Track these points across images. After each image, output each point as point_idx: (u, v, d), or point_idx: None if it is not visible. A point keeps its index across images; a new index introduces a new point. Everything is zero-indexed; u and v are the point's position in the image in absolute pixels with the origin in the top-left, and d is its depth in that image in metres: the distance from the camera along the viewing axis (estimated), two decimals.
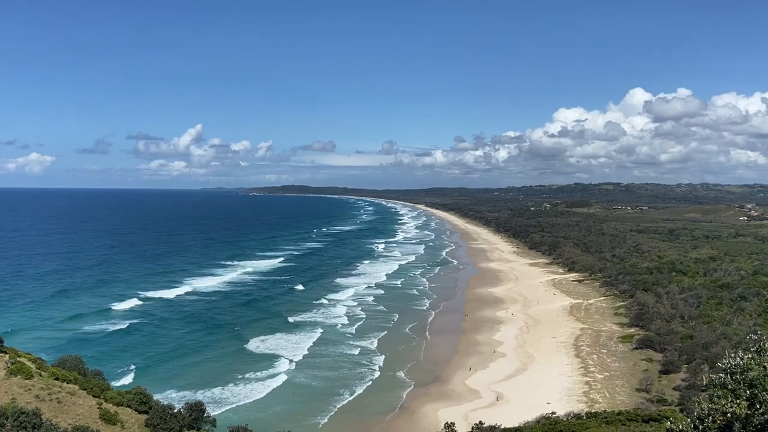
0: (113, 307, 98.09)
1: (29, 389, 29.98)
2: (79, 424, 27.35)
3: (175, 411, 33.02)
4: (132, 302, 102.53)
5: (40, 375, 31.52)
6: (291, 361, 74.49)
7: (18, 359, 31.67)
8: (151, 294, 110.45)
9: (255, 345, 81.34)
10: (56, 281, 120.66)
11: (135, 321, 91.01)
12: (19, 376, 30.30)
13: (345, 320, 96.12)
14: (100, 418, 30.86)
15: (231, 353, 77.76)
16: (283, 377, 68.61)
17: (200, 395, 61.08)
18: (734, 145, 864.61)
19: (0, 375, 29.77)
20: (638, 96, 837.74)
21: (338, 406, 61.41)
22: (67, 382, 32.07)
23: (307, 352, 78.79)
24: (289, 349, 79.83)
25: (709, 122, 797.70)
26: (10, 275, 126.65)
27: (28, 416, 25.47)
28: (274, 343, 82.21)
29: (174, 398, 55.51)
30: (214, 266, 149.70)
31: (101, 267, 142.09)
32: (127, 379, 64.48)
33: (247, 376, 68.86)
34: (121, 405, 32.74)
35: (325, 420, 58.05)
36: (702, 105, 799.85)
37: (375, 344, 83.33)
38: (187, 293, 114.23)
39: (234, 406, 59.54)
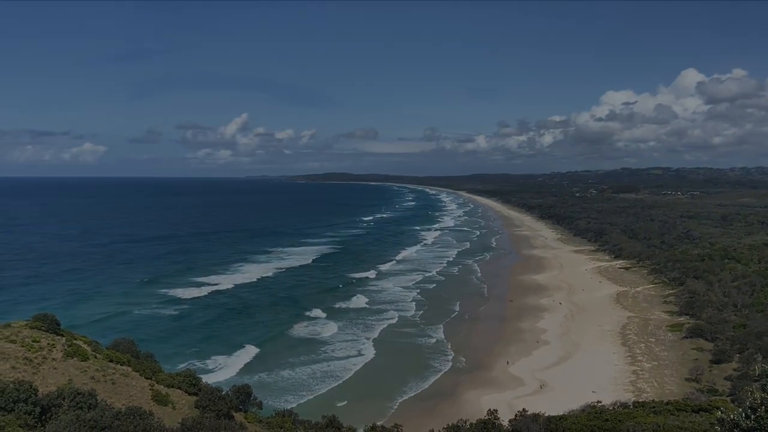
0: (198, 293, 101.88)
1: (85, 371, 30.38)
2: (133, 405, 28.13)
3: (223, 393, 33.75)
4: (211, 288, 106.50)
5: (95, 357, 32.08)
6: (363, 347, 74.56)
7: (74, 341, 32.57)
8: (236, 278, 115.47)
9: (331, 331, 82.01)
10: (145, 267, 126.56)
11: (221, 306, 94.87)
12: (75, 358, 30.95)
13: (413, 306, 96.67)
14: (152, 399, 31.07)
15: (305, 339, 78.26)
16: (357, 365, 68.47)
17: (277, 379, 62.86)
18: None
19: (57, 357, 30.62)
20: (691, 77, 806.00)
21: (411, 394, 60.56)
22: (121, 364, 32.39)
23: (377, 336, 79.43)
24: (366, 334, 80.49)
25: (766, 103, 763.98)
26: (105, 262, 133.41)
27: (84, 397, 25.70)
28: (347, 329, 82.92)
29: (254, 382, 56.87)
30: (285, 253, 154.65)
31: (184, 254, 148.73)
32: (231, 366, 66.81)
33: (323, 358, 70.02)
34: (172, 387, 32.76)
35: (395, 406, 57.17)
36: (758, 85, 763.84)
37: (441, 331, 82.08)
38: (261, 279, 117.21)
39: (312, 397, 59.26)
